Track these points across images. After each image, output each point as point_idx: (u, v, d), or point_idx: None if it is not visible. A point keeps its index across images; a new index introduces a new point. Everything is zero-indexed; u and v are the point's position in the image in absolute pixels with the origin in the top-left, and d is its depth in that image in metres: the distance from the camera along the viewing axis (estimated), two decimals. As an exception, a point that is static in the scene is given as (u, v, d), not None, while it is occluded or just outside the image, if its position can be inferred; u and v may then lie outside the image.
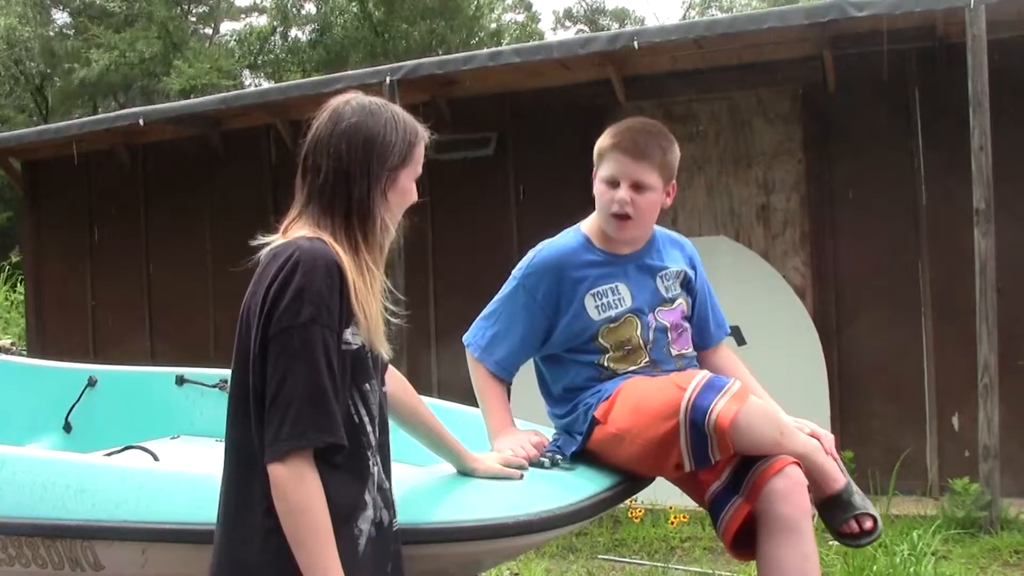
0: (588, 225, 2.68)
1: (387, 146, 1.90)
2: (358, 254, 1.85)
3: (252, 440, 1.80)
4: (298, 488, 1.72)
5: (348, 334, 1.82)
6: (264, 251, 1.89)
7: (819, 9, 5.32)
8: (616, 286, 2.60)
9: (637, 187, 2.55)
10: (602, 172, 2.60)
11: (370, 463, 1.88)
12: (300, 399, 1.73)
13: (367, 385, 1.88)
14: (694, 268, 2.74)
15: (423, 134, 2.00)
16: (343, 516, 1.80)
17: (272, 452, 1.73)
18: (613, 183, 2.57)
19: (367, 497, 1.88)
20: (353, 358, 1.83)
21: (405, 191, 1.96)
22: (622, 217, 2.56)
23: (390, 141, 1.90)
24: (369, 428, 1.88)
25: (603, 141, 2.61)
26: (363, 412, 1.87)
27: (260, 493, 1.78)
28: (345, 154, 1.87)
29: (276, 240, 1.89)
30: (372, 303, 1.84)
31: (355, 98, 1.95)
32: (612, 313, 2.58)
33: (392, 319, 1.94)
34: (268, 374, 1.76)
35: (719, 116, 6.30)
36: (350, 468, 1.84)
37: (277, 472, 1.72)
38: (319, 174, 1.88)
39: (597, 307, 2.59)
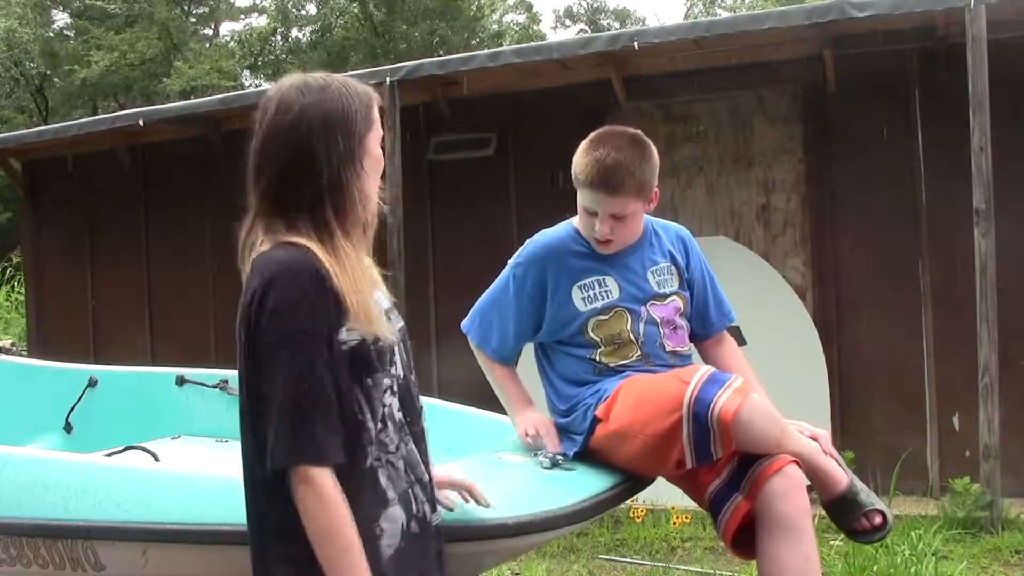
0: (580, 222, 2.69)
1: (349, 118, 1.80)
2: (334, 239, 1.77)
3: (253, 454, 1.78)
4: (318, 506, 1.69)
5: (343, 333, 1.76)
6: (253, 255, 1.82)
7: (819, 9, 5.32)
8: (603, 279, 2.63)
9: (616, 217, 2.57)
10: (580, 199, 2.62)
11: (370, 459, 1.81)
12: (292, 414, 1.69)
13: (370, 380, 1.81)
14: (686, 254, 2.75)
15: (374, 93, 1.88)
16: (360, 518, 1.75)
17: (282, 469, 1.70)
18: (592, 213, 2.59)
19: (390, 493, 1.82)
20: (352, 355, 1.77)
21: (377, 157, 1.86)
22: (604, 243, 2.61)
23: (350, 110, 1.81)
24: (371, 425, 1.81)
25: (576, 168, 2.60)
26: (366, 409, 1.81)
27: (266, 511, 1.78)
28: (305, 140, 1.77)
29: (260, 246, 1.81)
30: (359, 289, 1.76)
31: (297, 79, 1.84)
32: (599, 304, 2.61)
33: (389, 298, 1.86)
34: (262, 392, 1.73)
35: (719, 116, 6.29)
36: (383, 458, 1.81)
37: (296, 490, 1.69)
38: (276, 166, 1.78)
39: (584, 298, 2.62)
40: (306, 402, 1.70)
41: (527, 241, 2.72)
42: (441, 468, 2.12)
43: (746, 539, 2.45)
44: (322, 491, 1.69)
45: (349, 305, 1.74)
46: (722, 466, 2.45)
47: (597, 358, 2.60)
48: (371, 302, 1.80)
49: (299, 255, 1.75)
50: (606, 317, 2.60)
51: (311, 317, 1.72)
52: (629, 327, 2.60)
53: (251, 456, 1.79)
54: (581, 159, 2.59)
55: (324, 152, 1.77)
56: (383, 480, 1.82)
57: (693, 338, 2.78)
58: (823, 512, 2.57)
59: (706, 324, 2.78)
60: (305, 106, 1.79)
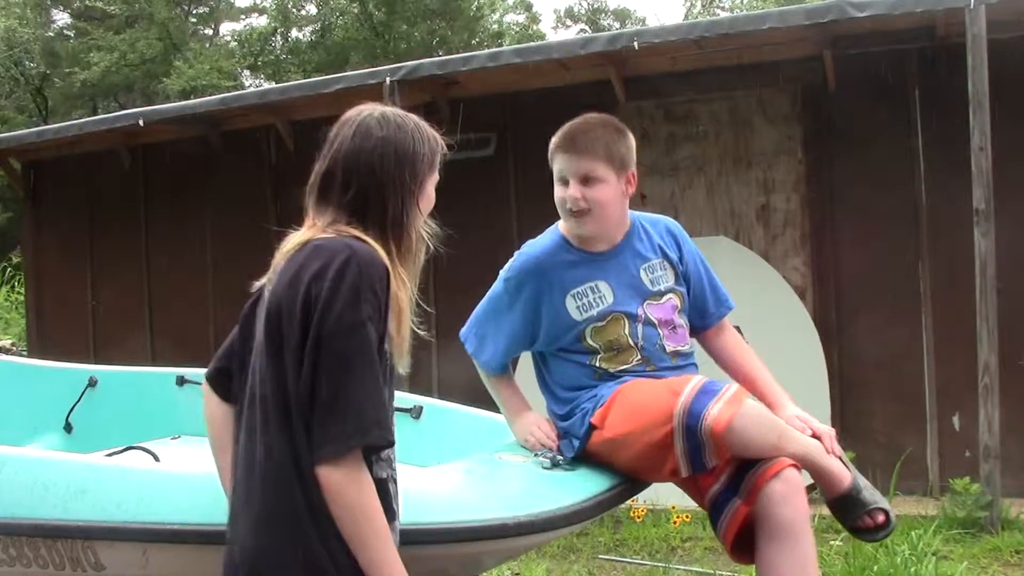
0: (564, 224, 2.69)
1: (418, 158, 1.90)
2: (392, 267, 1.82)
3: (290, 442, 1.73)
4: (360, 488, 1.70)
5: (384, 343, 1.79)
6: (289, 244, 1.85)
7: (819, 9, 5.32)
8: (596, 284, 2.62)
9: (586, 181, 2.56)
10: (554, 175, 2.64)
11: (386, 471, 1.83)
12: (363, 397, 1.70)
13: (388, 391, 1.83)
14: (678, 247, 2.74)
15: (442, 141, 2.00)
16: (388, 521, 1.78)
17: (328, 452, 1.69)
18: (564, 182, 2.60)
19: (396, 509, 1.84)
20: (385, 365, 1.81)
21: (431, 198, 1.97)
22: (579, 213, 2.58)
23: (420, 152, 1.91)
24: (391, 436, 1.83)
25: (551, 144, 2.64)
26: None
27: (304, 500, 1.71)
28: (379, 170, 1.86)
29: (314, 236, 1.83)
30: (404, 317, 1.83)
31: (376, 110, 1.93)
32: (594, 312, 2.60)
33: (419, 331, 1.91)
34: (320, 373, 1.70)
35: (719, 116, 6.29)
36: (389, 474, 1.82)
37: (334, 473, 1.69)
38: (348, 190, 1.85)
39: (578, 307, 2.60)
40: (372, 389, 1.71)
41: (516, 252, 2.70)
42: None
43: (746, 543, 2.45)
44: (361, 473, 1.70)
45: (392, 326, 1.79)
46: (721, 470, 2.44)
47: (597, 364, 2.60)
48: (407, 336, 1.84)
49: (369, 248, 1.79)
50: (603, 323, 2.59)
51: (383, 305, 1.76)
52: (627, 331, 2.59)
53: (289, 442, 1.73)
54: (557, 133, 2.64)
55: (392, 185, 1.86)
56: (393, 493, 1.84)
57: (693, 330, 2.77)
58: (824, 512, 2.57)
59: (704, 315, 2.77)
60: (383, 138, 1.88)
